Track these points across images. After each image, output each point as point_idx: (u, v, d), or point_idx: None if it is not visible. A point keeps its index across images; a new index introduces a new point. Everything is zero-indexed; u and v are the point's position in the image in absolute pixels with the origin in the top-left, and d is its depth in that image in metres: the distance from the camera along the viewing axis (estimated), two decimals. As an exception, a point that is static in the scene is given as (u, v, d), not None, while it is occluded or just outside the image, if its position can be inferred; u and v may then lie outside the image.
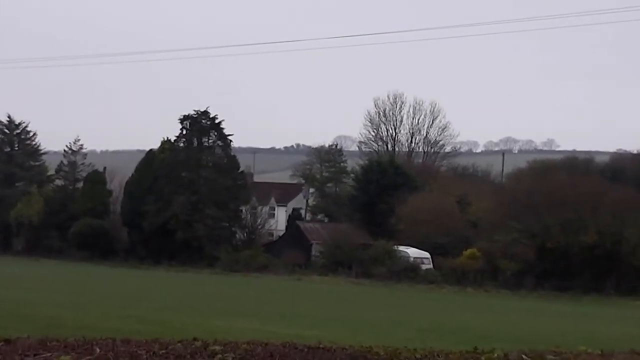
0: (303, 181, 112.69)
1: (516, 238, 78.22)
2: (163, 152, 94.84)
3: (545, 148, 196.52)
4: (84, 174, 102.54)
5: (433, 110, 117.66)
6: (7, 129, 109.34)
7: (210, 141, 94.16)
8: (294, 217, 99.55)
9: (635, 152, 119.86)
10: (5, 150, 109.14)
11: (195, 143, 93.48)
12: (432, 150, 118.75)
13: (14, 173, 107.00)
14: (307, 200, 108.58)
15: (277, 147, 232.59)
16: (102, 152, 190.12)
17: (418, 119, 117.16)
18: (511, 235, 78.26)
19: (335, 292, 64.60)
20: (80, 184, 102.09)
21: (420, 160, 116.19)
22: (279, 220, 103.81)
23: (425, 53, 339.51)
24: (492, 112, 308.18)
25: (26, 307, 34.76)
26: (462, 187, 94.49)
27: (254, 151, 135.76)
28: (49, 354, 8.85)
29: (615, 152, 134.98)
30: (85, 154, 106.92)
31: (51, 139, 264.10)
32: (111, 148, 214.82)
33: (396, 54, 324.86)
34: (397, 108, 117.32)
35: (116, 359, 8.74)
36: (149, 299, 45.84)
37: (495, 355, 10.44)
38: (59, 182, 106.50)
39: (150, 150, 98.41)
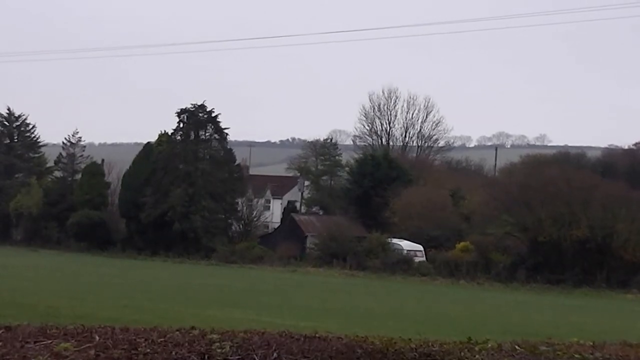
0: (298, 174, 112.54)
1: (509, 231, 78.71)
2: (160, 145, 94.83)
3: (537, 143, 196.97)
4: (83, 166, 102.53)
5: (427, 105, 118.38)
6: (7, 121, 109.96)
7: (207, 134, 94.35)
8: (289, 210, 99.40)
9: (626, 147, 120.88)
10: (5, 142, 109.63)
11: (192, 136, 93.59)
12: (426, 144, 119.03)
13: (14, 164, 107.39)
14: (302, 193, 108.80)
15: (273, 140, 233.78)
16: (100, 144, 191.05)
17: (412, 114, 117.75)
18: (504, 228, 78.70)
19: (329, 284, 64.93)
20: (78, 176, 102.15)
21: (414, 155, 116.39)
22: (275, 212, 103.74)
23: (419, 48, 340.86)
24: (485, 107, 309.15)
25: (24, 296, 35.43)
26: (455, 181, 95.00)
27: (250, 144, 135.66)
28: (49, 341, 8.84)
29: (606, 148, 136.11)
30: (84, 147, 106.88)
31: (50, 132, 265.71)
32: (109, 141, 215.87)
33: (391, 49, 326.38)
34: (392, 103, 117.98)
35: (115, 347, 8.68)
36: (145, 289, 46.45)
37: (489, 345, 10.35)
38: (57, 173, 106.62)
39: (148, 143, 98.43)
